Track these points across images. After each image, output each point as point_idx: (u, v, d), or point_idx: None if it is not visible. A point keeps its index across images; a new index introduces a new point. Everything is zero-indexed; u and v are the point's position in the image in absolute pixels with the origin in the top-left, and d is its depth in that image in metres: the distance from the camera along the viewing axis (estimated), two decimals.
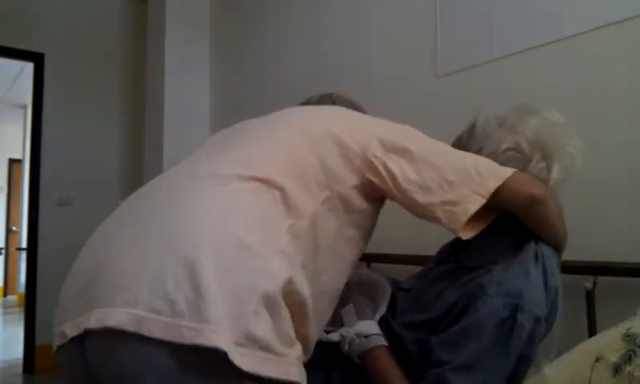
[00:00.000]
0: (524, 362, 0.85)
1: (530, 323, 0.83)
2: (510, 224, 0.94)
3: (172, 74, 2.97)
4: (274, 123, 0.96)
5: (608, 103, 1.28)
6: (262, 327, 0.67)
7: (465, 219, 0.84)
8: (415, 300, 1.00)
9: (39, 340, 3.19)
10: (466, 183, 0.85)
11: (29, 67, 3.51)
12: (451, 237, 1.09)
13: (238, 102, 2.86)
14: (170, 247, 0.69)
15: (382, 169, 0.88)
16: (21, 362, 3.28)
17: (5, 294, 7.19)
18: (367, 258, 1.75)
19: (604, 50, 1.30)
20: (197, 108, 3.06)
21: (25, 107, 6.18)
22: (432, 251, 1.19)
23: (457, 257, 1.01)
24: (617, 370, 0.68)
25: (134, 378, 0.65)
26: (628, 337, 0.70)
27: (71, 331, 0.70)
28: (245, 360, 0.64)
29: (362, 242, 0.96)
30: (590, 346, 0.76)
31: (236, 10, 2.94)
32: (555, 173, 0.95)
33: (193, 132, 2.98)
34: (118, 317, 0.65)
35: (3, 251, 6.88)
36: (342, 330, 0.97)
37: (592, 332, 1.17)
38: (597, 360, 0.71)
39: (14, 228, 6.98)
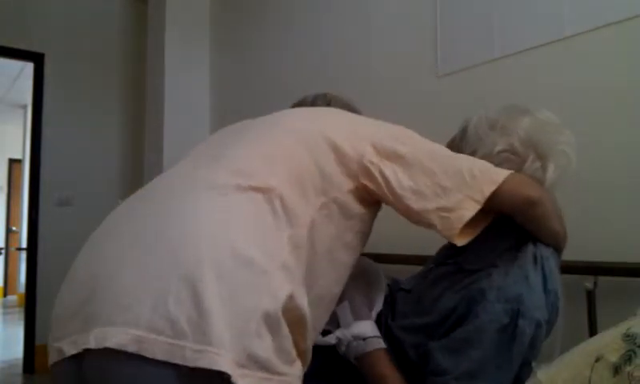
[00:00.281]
0: (527, 368, 0.84)
1: (532, 328, 0.82)
2: (509, 225, 0.93)
3: (172, 73, 2.97)
4: (272, 125, 0.95)
5: (608, 103, 1.28)
6: (264, 347, 0.66)
7: (460, 226, 0.83)
8: (415, 302, 1.00)
9: (39, 340, 3.20)
10: (460, 188, 0.84)
11: (29, 67, 3.51)
12: None
13: (238, 102, 2.86)
14: (171, 263, 0.68)
15: (377, 174, 0.87)
16: (21, 362, 3.29)
17: (5, 294, 7.18)
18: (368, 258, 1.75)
19: (604, 50, 1.30)
20: (197, 108, 3.06)
21: (25, 107, 6.18)
22: (432, 251, 1.18)
23: (456, 259, 1.00)
24: (617, 370, 0.67)
25: None
26: (628, 337, 0.70)
27: (69, 349, 0.69)
28: (247, 381, 0.63)
29: (359, 245, 0.95)
30: (590, 346, 0.76)
31: (236, 10, 2.94)
32: (551, 172, 0.94)
33: (193, 132, 2.98)
34: (117, 337, 0.64)
35: (3, 251, 6.87)
36: (339, 333, 0.95)
37: (592, 332, 1.17)
38: (597, 360, 0.71)
39: (14, 228, 6.97)
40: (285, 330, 0.70)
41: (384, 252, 1.71)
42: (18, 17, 3.33)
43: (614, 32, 1.28)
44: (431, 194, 0.85)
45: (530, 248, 0.91)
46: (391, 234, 1.61)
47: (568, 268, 1.24)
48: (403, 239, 1.64)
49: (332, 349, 0.97)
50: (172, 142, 2.91)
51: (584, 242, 1.27)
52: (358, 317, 0.97)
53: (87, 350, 0.66)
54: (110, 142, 3.61)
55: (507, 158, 0.95)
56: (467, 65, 1.64)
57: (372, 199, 0.92)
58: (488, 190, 0.84)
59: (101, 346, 0.64)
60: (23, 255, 4.67)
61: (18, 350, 3.42)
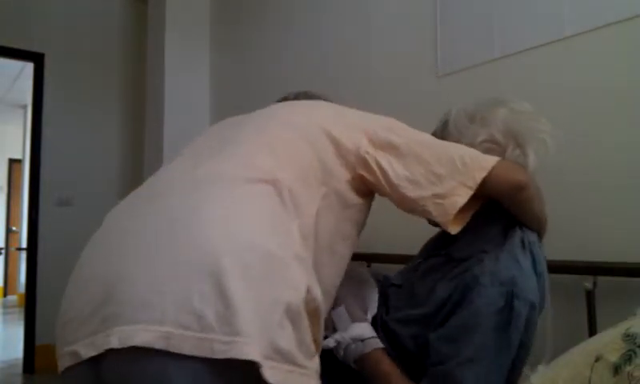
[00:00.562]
0: (523, 350, 0.86)
1: (526, 309, 0.84)
2: (496, 211, 0.96)
3: (172, 73, 2.97)
4: (268, 119, 0.96)
5: (608, 103, 1.28)
6: (287, 339, 0.66)
7: (454, 212, 0.86)
8: (408, 295, 1.01)
9: (39, 340, 3.17)
10: (453, 175, 0.87)
11: (29, 67, 3.51)
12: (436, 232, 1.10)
13: (238, 102, 2.86)
14: (189, 259, 0.67)
15: (374, 165, 0.90)
16: (21, 362, 3.27)
17: (5, 294, 7.18)
18: (367, 258, 1.75)
19: (604, 50, 1.30)
20: (197, 108, 3.06)
21: (25, 107, 6.18)
22: None
23: (446, 250, 1.02)
24: (617, 369, 0.67)
25: None
26: (628, 337, 0.70)
27: (87, 351, 0.67)
28: (273, 373, 0.63)
29: (356, 237, 0.98)
30: (590, 346, 0.76)
31: (236, 10, 2.94)
32: (532, 159, 0.97)
33: (193, 132, 2.95)
34: (143, 335, 0.63)
35: (3, 251, 6.88)
36: (337, 336, 0.95)
37: (592, 332, 1.17)
38: (596, 360, 0.71)
39: (14, 228, 6.98)
40: (305, 322, 0.70)
41: (384, 252, 1.71)
42: (18, 17, 3.33)
43: (614, 32, 1.28)
44: (426, 183, 0.88)
45: (518, 233, 0.94)
46: (391, 234, 1.61)
47: (568, 268, 1.24)
48: (403, 239, 1.64)
49: (329, 353, 0.96)
50: (172, 142, 2.91)
51: (584, 242, 1.27)
52: (354, 319, 0.98)
53: (109, 351, 0.65)
54: (110, 142, 3.61)
55: (490, 148, 0.98)
56: (467, 65, 1.64)
57: (367, 189, 0.94)
58: (479, 176, 0.87)
59: (125, 344, 0.63)
60: (23, 255, 4.67)
61: (17, 350, 3.41)
